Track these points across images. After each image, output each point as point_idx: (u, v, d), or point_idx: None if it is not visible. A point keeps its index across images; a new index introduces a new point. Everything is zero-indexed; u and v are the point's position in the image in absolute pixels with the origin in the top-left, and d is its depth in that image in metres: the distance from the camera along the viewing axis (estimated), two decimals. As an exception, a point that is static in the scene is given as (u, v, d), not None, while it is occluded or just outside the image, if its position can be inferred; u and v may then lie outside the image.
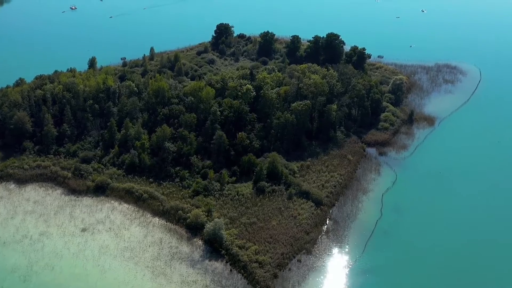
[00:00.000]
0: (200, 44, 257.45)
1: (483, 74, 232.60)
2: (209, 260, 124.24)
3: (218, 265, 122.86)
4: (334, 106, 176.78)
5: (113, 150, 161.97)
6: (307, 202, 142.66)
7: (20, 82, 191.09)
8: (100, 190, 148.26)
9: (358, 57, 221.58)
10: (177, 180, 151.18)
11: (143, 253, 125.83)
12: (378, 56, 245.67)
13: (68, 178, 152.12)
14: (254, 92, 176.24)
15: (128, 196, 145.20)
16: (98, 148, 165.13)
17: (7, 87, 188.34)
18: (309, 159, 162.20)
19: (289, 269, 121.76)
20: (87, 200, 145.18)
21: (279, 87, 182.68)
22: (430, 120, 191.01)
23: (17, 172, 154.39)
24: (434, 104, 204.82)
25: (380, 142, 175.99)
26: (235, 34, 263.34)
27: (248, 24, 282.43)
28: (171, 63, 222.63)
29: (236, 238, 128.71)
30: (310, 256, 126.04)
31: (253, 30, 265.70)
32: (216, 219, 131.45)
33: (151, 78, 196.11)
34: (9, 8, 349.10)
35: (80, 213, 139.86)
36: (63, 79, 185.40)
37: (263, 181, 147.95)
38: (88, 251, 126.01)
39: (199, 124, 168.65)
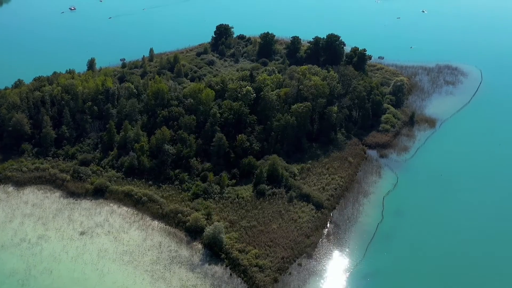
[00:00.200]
0: (199, 45, 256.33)
1: (484, 75, 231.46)
2: (209, 264, 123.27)
3: (218, 269, 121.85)
4: (335, 108, 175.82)
5: (112, 153, 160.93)
6: (307, 205, 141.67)
7: (18, 84, 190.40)
8: (99, 193, 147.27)
9: (359, 58, 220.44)
10: (177, 182, 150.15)
11: (142, 257, 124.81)
12: (379, 57, 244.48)
13: (67, 181, 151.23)
14: (254, 94, 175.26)
15: (127, 199, 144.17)
16: (97, 150, 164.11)
17: (6, 88, 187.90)
18: (310, 161, 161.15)
19: (290, 273, 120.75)
20: (85, 203, 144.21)
21: (279, 88, 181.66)
22: (431, 122, 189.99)
23: (16, 175, 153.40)
24: (435, 106, 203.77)
25: (381, 144, 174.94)
26: (235, 35, 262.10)
27: (248, 25, 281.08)
28: (171, 64, 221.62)
29: (236, 242, 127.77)
30: (310, 260, 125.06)
31: (253, 31, 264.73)
32: (216, 223, 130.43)
33: (150, 80, 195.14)
34: (8, 9, 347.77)
35: (78, 216, 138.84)
36: (62, 80, 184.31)
37: (263, 183, 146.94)
38: (86, 255, 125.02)
39: (199, 126, 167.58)
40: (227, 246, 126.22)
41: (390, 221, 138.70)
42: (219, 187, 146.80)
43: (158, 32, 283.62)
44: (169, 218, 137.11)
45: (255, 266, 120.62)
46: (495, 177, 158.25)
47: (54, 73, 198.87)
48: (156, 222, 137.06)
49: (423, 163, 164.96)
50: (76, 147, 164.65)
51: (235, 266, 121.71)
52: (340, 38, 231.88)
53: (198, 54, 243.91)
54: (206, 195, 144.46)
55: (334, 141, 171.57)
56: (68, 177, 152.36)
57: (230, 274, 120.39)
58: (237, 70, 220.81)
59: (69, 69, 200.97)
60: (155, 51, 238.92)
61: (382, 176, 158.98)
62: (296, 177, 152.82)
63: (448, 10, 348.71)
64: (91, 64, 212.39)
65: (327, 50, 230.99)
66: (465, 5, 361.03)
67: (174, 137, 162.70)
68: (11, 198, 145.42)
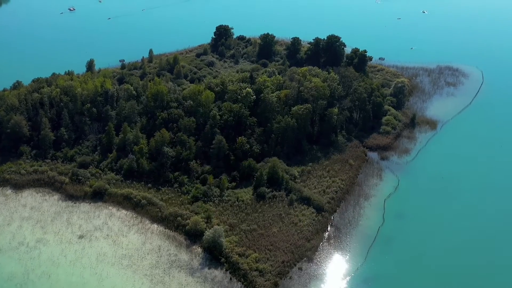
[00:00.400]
0: (199, 46, 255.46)
1: (485, 76, 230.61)
2: (209, 268, 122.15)
3: (218, 273, 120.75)
4: (335, 110, 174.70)
5: (111, 155, 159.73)
6: (308, 208, 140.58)
7: (17, 85, 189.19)
8: (97, 196, 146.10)
9: (359, 59, 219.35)
10: (176, 185, 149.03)
11: (142, 260, 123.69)
12: (380, 58, 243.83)
13: (66, 184, 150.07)
14: (254, 96, 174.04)
15: (126, 202, 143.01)
16: (96, 152, 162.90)
17: (4, 90, 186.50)
18: (310, 164, 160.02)
19: (290, 278, 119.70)
20: (84, 206, 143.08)
21: (279, 90, 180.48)
22: (432, 124, 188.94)
23: (14, 177, 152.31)
24: (436, 107, 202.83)
25: (382, 146, 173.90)
26: (234, 36, 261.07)
27: (248, 25, 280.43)
28: (170, 66, 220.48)
29: (236, 246, 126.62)
30: (311, 264, 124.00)
31: (253, 31, 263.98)
32: (216, 226, 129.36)
33: (150, 81, 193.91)
34: (7, 9, 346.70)
35: (77, 219, 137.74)
36: (61, 82, 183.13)
37: (263, 186, 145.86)
38: (85, 259, 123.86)
39: (199, 128, 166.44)
40: (227, 250, 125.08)
41: (392, 224, 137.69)
42: (219, 190, 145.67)
43: (157, 33, 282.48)
44: (169, 222, 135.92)
45: (255, 270, 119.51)
46: (497, 180, 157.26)
47: (53, 74, 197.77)
48: (155, 226, 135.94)
49: (424, 166, 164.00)
50: (75, 150, 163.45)
51: (235, 270, 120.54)
52: (341, 39, 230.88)
53: (198, 55, 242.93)
54: (205, 198, 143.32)
55: (334, 143, 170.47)
56: (67, 179, 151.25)
57: (230, 279, 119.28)
58: (237, 71, 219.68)
59: (68, 70, 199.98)
60: (155, 52, 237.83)
61: (383, 178, 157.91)
62: (296, 180, 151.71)
63: (448, 10, 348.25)
64: (90, 65, 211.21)
65: (328, 51, 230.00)
66: (465, 6, 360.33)
67: (174, 140, 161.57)
68: (9, 201, 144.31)
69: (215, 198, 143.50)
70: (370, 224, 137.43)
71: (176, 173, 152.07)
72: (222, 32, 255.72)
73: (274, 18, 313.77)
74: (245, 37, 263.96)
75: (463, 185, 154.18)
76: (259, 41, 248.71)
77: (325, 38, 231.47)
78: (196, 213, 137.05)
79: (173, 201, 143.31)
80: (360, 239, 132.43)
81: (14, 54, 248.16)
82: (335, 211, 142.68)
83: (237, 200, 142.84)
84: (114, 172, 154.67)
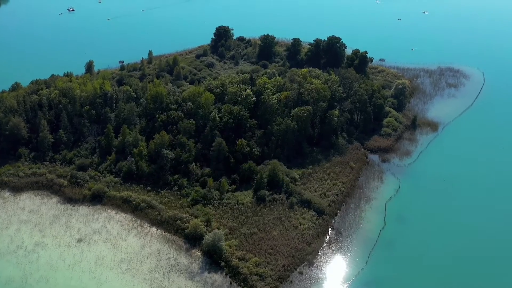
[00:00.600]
0: (199, 47, 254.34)
1: (487, 77, 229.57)
2: (208, 272, 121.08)
3: (218, 278, 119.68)
4: (336, 112, 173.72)
5: (110, 157, 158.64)
6: (308, 211, 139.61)
7: (15, 87, 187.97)
8: (96, 199, 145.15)
9: (360, 60, 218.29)
10: (176, 188, 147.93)
11: (141, 264, 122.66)
12: (380, 59, 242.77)
13: (64, 186, 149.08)
14: (254, 98, 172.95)
15: (125, 205, 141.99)
16: (95, 155, 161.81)
17: (3, 91, 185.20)
18: (311, 166, 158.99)
19: (291, 282, 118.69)
20: (83, 209, 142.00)
21: (279, 92, 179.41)
22: (433, 126, 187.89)
23: (12, 180, 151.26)
24: (437, 109, 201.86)
25: (383, 149, 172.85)
26: (234, 37, 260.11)
27: (248, 26, 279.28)
28: (170, 67, 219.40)
29: (236, 250, 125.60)
30: (312, 268, 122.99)
31: (253, 32, 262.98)
32: (216, 230, 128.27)
33: (149, 82, 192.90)
34: (6, 10, 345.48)
35: (76, 222, 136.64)
36: (60, 83, 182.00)
37: (263, 189, 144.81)
38: (84, 263, 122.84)
39: (198, 131, 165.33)
40: (227, 253, 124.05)
41: (393, 227, 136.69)
42: (218, 192, 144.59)
43: (157, 34, 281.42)
44: (168, 225, 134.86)
45: (255, 275, 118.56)
46: (499, 182, 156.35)
47: (52, 76, 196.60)
48: (154, 229, 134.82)
49: (425, 168, 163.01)
50: (74, 152, 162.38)
51: (235, 275, 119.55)
52: (341, 40, 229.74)
53: (198, 56, 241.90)
54: (205, 201, 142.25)
55: (335, 146, 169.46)
56: (66, 182, 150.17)
57: (230, 283, 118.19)
58: (237, 73, 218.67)
59: (67, 71, 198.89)
60: (154, 53, 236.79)
61: (384, 181, 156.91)
62: (297, 183, 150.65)
63: (449, 11, 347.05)
64: (89, 66, 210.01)
65: (328, 52, 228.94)
66: (466, 6, 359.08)
67: (173, 142, 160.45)
68: (8, 204, 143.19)
69: (215, 201, 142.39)
70: (371, 227, 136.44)
71: (176, 176, 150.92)
72: (222, 33, 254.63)
73: (274, 19, 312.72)
74: (245, 38, 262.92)
75: (465, 187, 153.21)
76: (259, 42, 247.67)
77: (326, 39, 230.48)
78: (195, 216, 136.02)
79: (173, 204, 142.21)
80: (361, 242, 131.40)
81: (13, 55, 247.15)
82: (336, 214, 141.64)
83: (237, 203, 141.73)
84: (113, 175, 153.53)
